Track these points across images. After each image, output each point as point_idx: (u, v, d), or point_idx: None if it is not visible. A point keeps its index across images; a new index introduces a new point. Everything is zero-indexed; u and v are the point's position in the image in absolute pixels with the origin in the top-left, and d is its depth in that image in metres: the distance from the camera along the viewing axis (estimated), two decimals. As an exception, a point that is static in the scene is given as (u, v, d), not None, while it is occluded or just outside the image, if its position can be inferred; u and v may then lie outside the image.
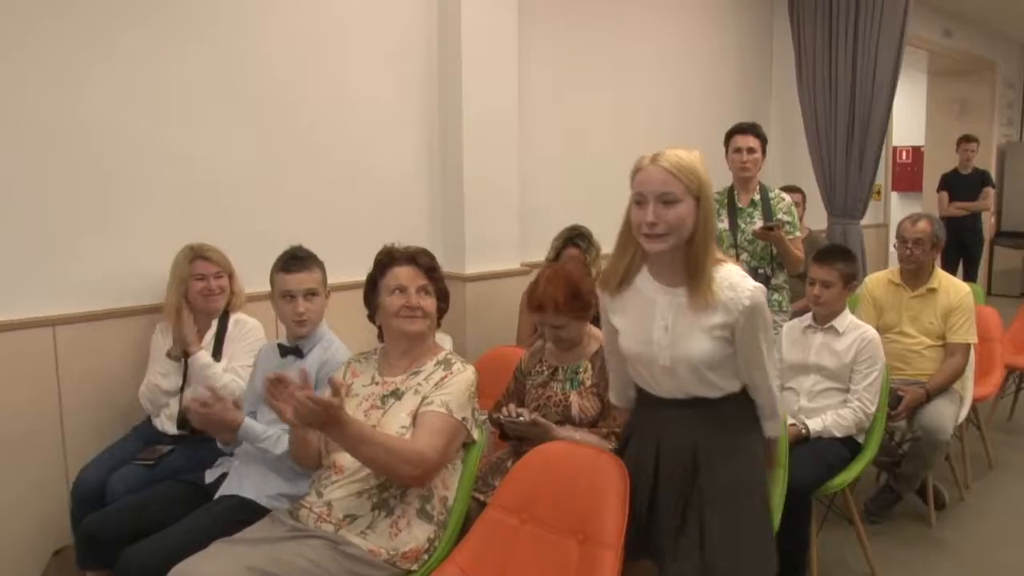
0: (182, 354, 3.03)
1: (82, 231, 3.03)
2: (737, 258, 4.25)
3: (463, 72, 3.88)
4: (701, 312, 1.99)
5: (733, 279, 2.00)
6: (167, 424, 3.03)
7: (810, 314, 3.43)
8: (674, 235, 1.94)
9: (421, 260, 2.47)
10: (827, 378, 3.30)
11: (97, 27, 3.01)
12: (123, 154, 3.10)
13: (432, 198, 4.01)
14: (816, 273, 3.38)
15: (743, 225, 4.24)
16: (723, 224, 4.28)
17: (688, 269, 1.98)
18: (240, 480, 2.63)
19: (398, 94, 3.87)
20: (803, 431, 3.16)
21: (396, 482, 2.25)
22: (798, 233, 4.24)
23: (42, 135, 2.92)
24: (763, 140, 4.36)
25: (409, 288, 2.41)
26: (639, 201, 1.97)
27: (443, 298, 2.51)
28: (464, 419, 2.32)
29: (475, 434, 2.38)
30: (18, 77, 2.86)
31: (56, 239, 2.98)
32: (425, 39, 3.93)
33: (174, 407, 3.02)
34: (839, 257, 3.38)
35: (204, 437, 2.88)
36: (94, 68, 3.01)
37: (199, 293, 3.04)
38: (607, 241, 4.00)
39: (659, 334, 2.05)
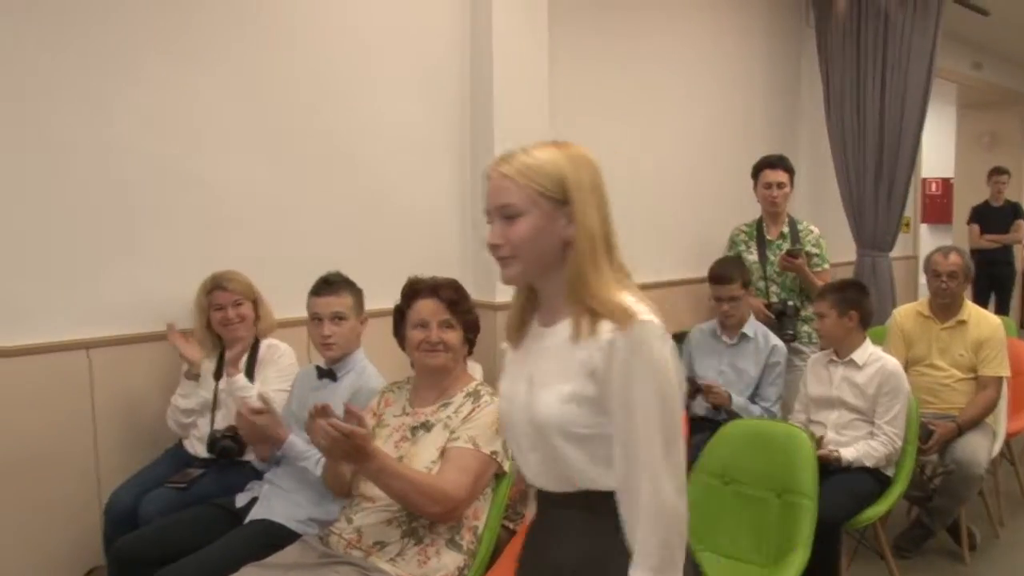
0: (214, 377, 3.08)
1: (116, 255, 3.09)
2: (767, 291, 4.26)
3: (494, 100, 3.92)
4: (573, 353, 1.46)
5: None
6: (198, 447, 3.06)
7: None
8: (521, 259, 1.49)
9: (443, 294, 2.45)
10: (851, 411, 3.29)
11: (123, 52, 3.07)
12: (157, 179, 3.16)
13: (463, 226, 4.05)
14: (814, 308, 3.52)
15: (772, 257, 4.25)
16: (752, 256, 4.29)
17: (569, 293, 1.48)
18: (270, 504, 2.66)
19: (429, 121, 3.91)
20: (835, 454, 3.15)
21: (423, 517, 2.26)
22: (826, 266, 4.24)
23: (74, 161, 2.99)
24: (791, 172, 4.38)
25: (431, 323, 2.41)
26: (488, 220, 1.55)
27: (471, 329, 2.50)
28: (494, 452, 2.31)
29: (506, 465, 2.38)
30: (49, 103, 2.93)
31: (90, 263, 3.03)
32: (457, 69, 3.97)
33: (204, 429, 3.05)
34: (832, 289, 3.45)
35: (235, 461, 2.93)
36: (121, 93, 3.07)
37: (219, 323, 3.08)
38: (636, 272, 4.04)
39: (523, 388, 1.53)
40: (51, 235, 2.96)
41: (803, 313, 4.18)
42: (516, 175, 1.48)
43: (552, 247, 1.48)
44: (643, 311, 1.42)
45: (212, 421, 3.04)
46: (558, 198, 1.47)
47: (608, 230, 1.51)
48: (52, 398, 2.99)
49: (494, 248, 1.51)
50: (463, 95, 4.00)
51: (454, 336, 2.43)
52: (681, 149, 5.06)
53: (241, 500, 2.79)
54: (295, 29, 3.49)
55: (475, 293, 3.35)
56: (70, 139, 2.98)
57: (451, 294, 2.47)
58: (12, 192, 2.88)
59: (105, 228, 3.06)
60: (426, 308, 2.43)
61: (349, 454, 2.10)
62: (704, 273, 4.07)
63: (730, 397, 3.56)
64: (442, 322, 2.42)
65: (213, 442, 2.91)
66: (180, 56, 3.20)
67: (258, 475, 2.87)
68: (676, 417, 1.41)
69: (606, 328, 1.41)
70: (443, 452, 2.29)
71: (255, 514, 2.67)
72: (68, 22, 2.95)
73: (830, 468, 3.09)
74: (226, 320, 3.07)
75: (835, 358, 3.38)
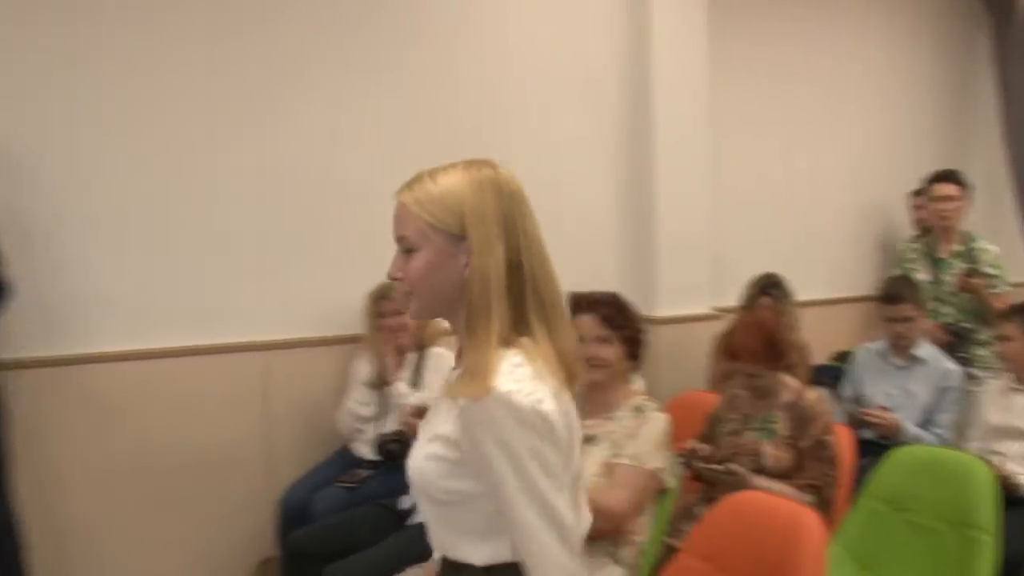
0: (380, 384, 3.19)
1: (295, 263, 3.29)
2: (938, 312, 4.07)
3: (654, 115, 3.94)
4: (448, 411, 1.31)
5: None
6: (365, 450, 3.18)
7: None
8: (419, 296, 1.35)
9: (600, 309, 2.46)
10: (1037, 442, 3.09)
11: (301, 69, 3.30)
12: (333, 190, 3.34)
13: (624, 240, 4.05)
14: (998, 329, 3.34)
15: (947, 277, 4.05)
16: (923, 276, 4.11)
17: (461, 339, 1.34)
18: (435, 508, 2.73)
19: (588, 134, 3.96)
20: (1018, 479, 2.96)
21: None
22: (1006, 288, 4.00)
23: (256, 172, 3.20)
24: (965, 187, 4.17)
25: (586, 338, 2.42)
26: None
27: (632, 344, 2.48)
28: (657, 468, 2.31)
29: (669, 482, 2.37)
30: (232, 120, 3.17)
31: (271, 269, 3.23)
32: (615, 80, 4.00)
33: (371, 432, 3.17)
34: (1019, 310, 3.26)
35: (400, 464, 3.02)
36: (301, 109, 3.28)
37: (383, 331, 3.19)
38: (803, 289, 3.95)
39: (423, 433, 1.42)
40: (234, 242, 3.17)
41: (979, 336, 3.96)
42: (412, 204, 1.34)
43: (451, 286, 1.32)
44: (509, 380, 1.24)
45: (379, 425, 3.15)
46: (455, 232, 1.31)
47: (523, 269, 1.31)
48: (232, 396, 3.19)
49: (395, 281, 1.38)
50: (621, 106, 4.02)
51: (610, 352, 2.43)
52: (846, 163, 4.91)
53: (406, 502, 2.88)
54: (457, 45, 3.63)
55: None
56: (255, 153, 3.20)
57: (608, 310, 2.47)
58: (198, 200, 3.11)
59: (284, 236, 3.25)
60: (582, 323, 2.44)
61: None
62: (867, 291, 3.92)
63: (899, 426, 3.39)
64: (598, 338, 2.43)
65: (380, 445, 3.02)
66: (349, 72, 3.38)
67: (423, 478, 2.95)
68: (544, 489, 1.24)
69: (468, 394, 1.25)
70: (606, 467, 2.30)
71: (420, 517, 2.74)
72: (246, 44, 3.21)
73: (1012, 499, 2.90)
74: (389, 329, 3.18)
75: (1018, 385, 3.19)
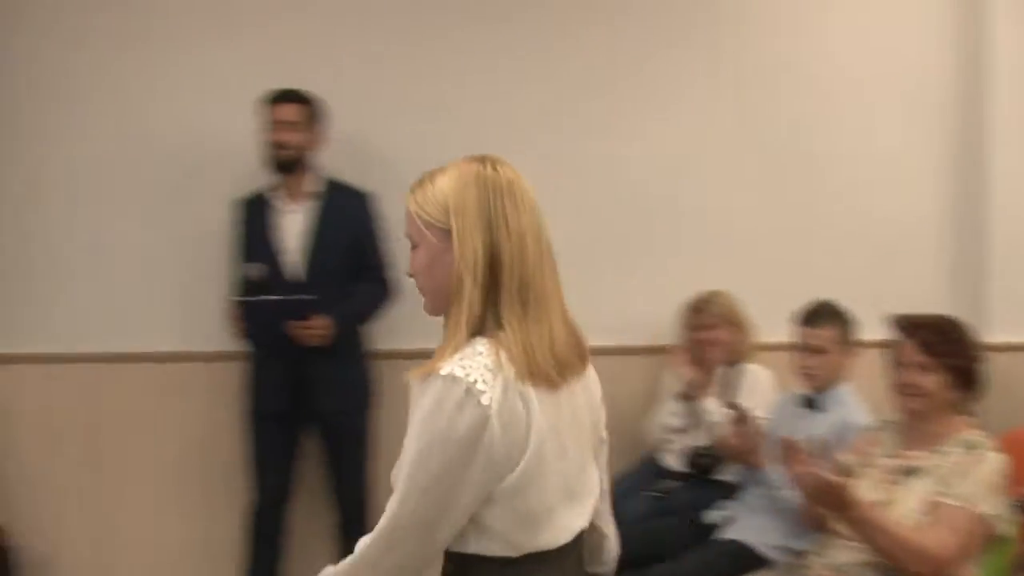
0: (690, 397, 3.20)
1: (609, 273, 3.43)
2: None
3: (991, 117, 3.69)
4: None
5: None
6: (672, 461, 3.20)
7: None
8: (425, 291, 1.41)
9: (921, 334, 2.30)
10: None
11: (619, 77, 3.45)
12: (645, 203, 3.46)
13: (948, 256, 3.77)
14: None
15: None
16: None
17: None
18: (743, 525, 2.73)
19: (911, 144, 3.75)
20: None
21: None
22: None
23: (571, 185, 3.37)
24: None
25: (905, 364, 2.29)
26: None
27: (960, 373, 2.28)
28: (987, 513, 2.14)
29: (1003, 528, 2.18)
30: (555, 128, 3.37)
31: (587, 279, 3.31)
32: (942, 88, 3.75)
33: (679, 445, 3.17)
34: None
35: (709, 480, 3.04)
36: (617, 116, 3.44)
37: (695, 343, 3.19)
38: None
39: None
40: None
41: None
42: (411, 204, 1.38)
43: (449, 281, 1.34)
44: (456, 365, 1.26)
45: (689, 438, 3.15)
46: (446, 228, 1.33)
47: (501, 261, 1.31)
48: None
49: (409, 277, 1.44)
50: (951, 109, 3.77)
51: (930, 381, 2.27)
52: None
53: (712, 517, 2.89)
54: (777, 57, 3.59)
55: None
56: (574, 163, 3.40)
57: (930, 335, 2.30)
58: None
59: (591, 246, 3.38)
60: (903, 349, 2.32)
61: (828, 503, 2.10)
62: None
63: None
64: (917, 364, 2.28)
65: (692, 458, 3.04)
66: (665, 77, 3.48)
67: (730, 494, 2.95)
68: (419, 478, 1.26)
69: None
70: (929, 504, 2.17)
71: (727, 533, 2.76)
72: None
73: None
74: (698, 342, 3.18)
75: None
